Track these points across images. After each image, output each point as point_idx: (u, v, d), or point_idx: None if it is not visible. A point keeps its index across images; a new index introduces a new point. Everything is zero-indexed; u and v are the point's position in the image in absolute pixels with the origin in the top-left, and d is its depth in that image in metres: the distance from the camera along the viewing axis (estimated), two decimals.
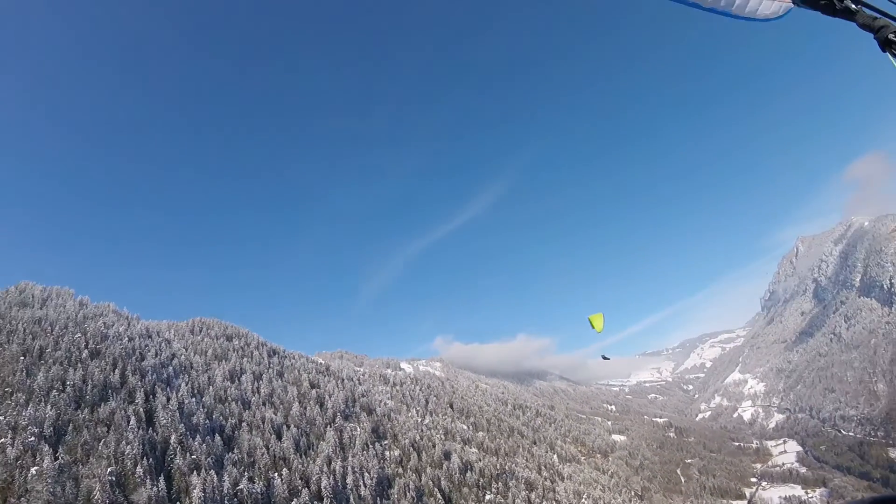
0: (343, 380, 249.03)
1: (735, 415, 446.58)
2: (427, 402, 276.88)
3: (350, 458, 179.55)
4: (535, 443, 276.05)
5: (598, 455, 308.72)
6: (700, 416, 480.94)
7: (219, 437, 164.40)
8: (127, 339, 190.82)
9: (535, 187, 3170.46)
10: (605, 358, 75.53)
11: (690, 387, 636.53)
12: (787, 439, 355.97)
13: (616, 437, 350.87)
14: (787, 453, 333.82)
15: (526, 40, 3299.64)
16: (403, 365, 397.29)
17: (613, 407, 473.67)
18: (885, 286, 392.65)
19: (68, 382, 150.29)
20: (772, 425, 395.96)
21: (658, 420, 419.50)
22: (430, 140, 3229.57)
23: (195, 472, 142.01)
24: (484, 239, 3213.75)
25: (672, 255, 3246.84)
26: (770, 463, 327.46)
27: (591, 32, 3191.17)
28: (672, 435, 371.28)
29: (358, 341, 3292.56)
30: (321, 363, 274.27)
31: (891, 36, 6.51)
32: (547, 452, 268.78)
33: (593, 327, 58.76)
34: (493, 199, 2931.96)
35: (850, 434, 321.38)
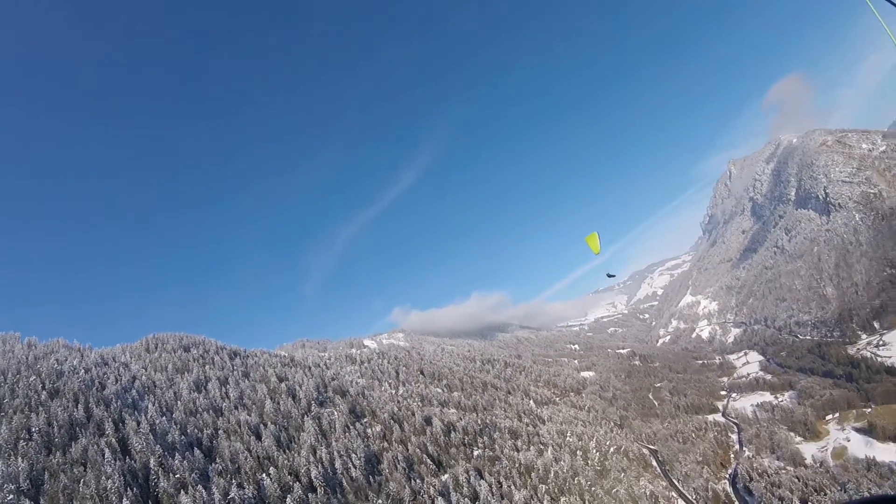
0: (310, 367, 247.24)
1: (694, 335, 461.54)
2: (398, 373, 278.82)
3: (334, 443, 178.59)
4: (509, 392, 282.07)
5: (572, 393, 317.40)
6: (661, 341, 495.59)
7: (198, 450, 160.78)
8: (83, 371, 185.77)
9: (464, 150, 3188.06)
10: (610, 276, 78.45)
11: (647, 315, 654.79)
12: (747, 351, 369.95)
13: (585, 374, 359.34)
14: (749, 364, 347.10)
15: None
16: (367, 342, 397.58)
17: (577, 346, 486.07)
18: (820, 196, 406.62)
19: (33, 429, 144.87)
20: (730, 340, 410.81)
21: (622, 351, 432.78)
22: (354, 115, 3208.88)
23: (182, 491, 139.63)
24: (422, 208, 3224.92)
25: (610, 195, 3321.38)
26: (735, 375, 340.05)
27: None
28: (637, 363, 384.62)
29: (317, 328, 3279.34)
30: (285, 356, 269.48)
31: None
32: (523, 400, 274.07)
33: (591, 249, 62.27)
34: (424, 168, 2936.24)
35: (808, 338, 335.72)
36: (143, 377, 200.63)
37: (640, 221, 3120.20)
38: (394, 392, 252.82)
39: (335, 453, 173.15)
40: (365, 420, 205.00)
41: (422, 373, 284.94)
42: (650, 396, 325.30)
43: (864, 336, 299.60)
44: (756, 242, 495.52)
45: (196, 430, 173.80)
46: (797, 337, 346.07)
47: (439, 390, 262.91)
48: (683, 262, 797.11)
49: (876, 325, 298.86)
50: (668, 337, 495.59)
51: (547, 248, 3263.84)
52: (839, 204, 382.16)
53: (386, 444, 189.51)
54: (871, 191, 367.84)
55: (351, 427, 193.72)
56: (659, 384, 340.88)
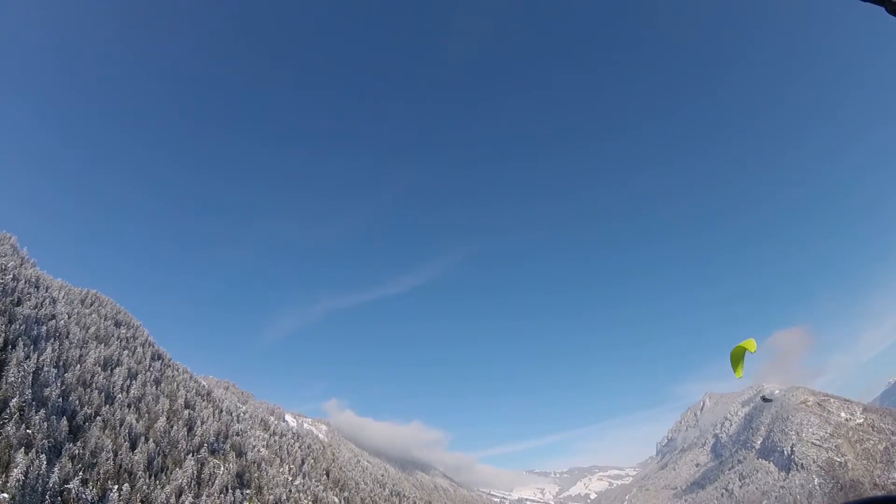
0: (222, 411, 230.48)
1: None
2: (303, 462, 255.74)
3: (204, 498, 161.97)
4: None
5: None
6: None
7: (66, 422, 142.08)
8: (11, 277, 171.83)
9: (459, 283, 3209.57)
10: (766, 400, 60.25)
11: None
12: None
13: None
14: None
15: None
16: (288, 417, 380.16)
17: None
18: (785, 452, 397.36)
19: None
20: None
21: None
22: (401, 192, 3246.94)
23: (23, 450, 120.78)
24: (407, 319, 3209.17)
25: (579, 386, 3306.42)
26: None
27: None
28: None
29: (249, 377, 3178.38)
30: (204, 385, 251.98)
31: None
32: None
33: (735, 362, 48.77)
34: (422, 282, 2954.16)
35: None
36: (62, 322, 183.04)
37: (598, 420, 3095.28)
38: (290, 478, 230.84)
39: None
40: (248, 492, 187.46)
41: (327, 474, 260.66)
42: None
43: None
44: (707, 479, 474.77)
45: (77, 403, 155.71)
46: None
47: (336, 500, 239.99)
48: (627, 474, 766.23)
49: None
50: None
51: (503, 413, 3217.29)
52: (802, 464, 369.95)
53: None
54: (838, 459, 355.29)
55: (231, 491, 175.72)
56: None
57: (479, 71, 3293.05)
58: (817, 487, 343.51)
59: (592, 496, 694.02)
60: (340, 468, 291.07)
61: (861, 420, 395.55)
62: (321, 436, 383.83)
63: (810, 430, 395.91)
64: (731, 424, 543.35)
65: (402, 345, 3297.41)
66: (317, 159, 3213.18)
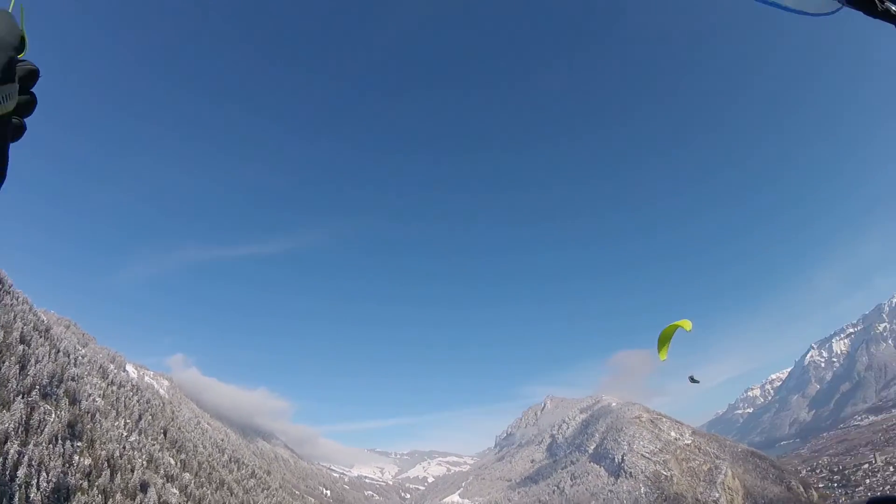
0: (59, 352, 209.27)
1: None
2: (140, 417, 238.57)
3: (31, 447, 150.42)
4: None
5: None
6: None
7: None
8: None
9: (328, 257, 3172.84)
10: (693, 381, 69.75)
11: (408, 496, 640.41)
12: None
13: None
14: None
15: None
16: (129, 367, 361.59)
17: (329, 492, 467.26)
18: (616, 459, 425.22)
19: None
20: None
21: None
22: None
23: None
24: (268, 285, 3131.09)
25: (428, 374, 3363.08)
26: None
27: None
28: None
29: (93, 319, 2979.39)
30: (43, 320, 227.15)
31: None
32: None
33: (662, 337, 59.56)
34: (290, 248, 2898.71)
35: None
36: None
37: (443, 409, 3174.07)
38: (125, 434, 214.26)
39: (27, 458, 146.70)
40: (79, 444, 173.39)
41: (164, 433, 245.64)
42: None
43: None
44: (540, 476, 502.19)
45: None
46: None
47: (173, 461, 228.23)
48: (465, 462, 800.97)
49: None
50: None
51: (356, 388, 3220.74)
52: (631, 473, 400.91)
53: (86, 485, 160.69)
54: (665, 473, 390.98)
55: (60, 442, 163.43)
56: None
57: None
58: (643, 495, 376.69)
59: (430, 480, 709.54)
60: (179, 428, 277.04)
61: (689, 441, 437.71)
62: (162, 391, 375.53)
63: (642, 443, 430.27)
64: (569, 428, 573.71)
65: (259, 310, 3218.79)
66: (213, 105, 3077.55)
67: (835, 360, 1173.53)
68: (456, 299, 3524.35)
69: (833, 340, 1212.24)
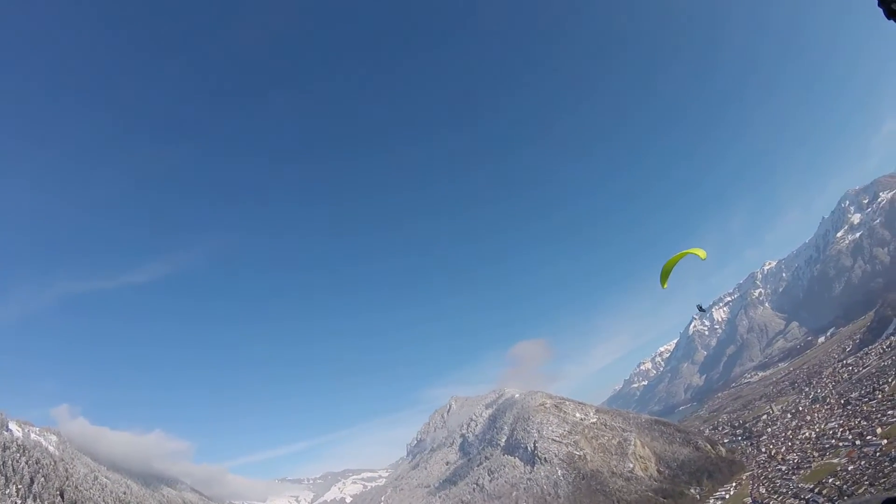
0: None
1: None
2: (32, 481, 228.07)
3: None
4: None
5: None
6: None
7: None
8: None
9: (207, 280, 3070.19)
10: (701, 309, 67.76)
11: None
12: None
13: None
14: None
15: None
16: (12, 425, 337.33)
17: None
18: (529, 448, 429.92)
19: None
20: None
21: None
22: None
23: None
24: (147, 314, 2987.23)
25: (326, 391, 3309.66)
26: None
27: None
28: None
29: None
30: None
31: None
32: None
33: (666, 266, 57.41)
34: (168, 273, 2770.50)
35: None
36: None
37: (348, 425, 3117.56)
38: (18, 503, 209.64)
39: None
40: None
41: (62, 495, 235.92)
42: None
43: None
44: (458, 476, 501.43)
45: None
46: None
47: None
48: (380, 476, 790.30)
49: None
50: None
51: (256, 416, 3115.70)
52: (545, 458, 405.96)
53: None
54: (577, 453, 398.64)
55: None
56: None
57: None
58: (561, 478, 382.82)
59: (348, 500, 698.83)
60: (76, 487, 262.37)
61: (595, 419, 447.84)
62: (51, 448, 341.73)
63: (550, 428, 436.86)
64: (477, 425, 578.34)
65: (143, 344, 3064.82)
66: (77, 115, 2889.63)
67: (717, 327, 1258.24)
68: (344, 310, 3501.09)
69: (713, 309, 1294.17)
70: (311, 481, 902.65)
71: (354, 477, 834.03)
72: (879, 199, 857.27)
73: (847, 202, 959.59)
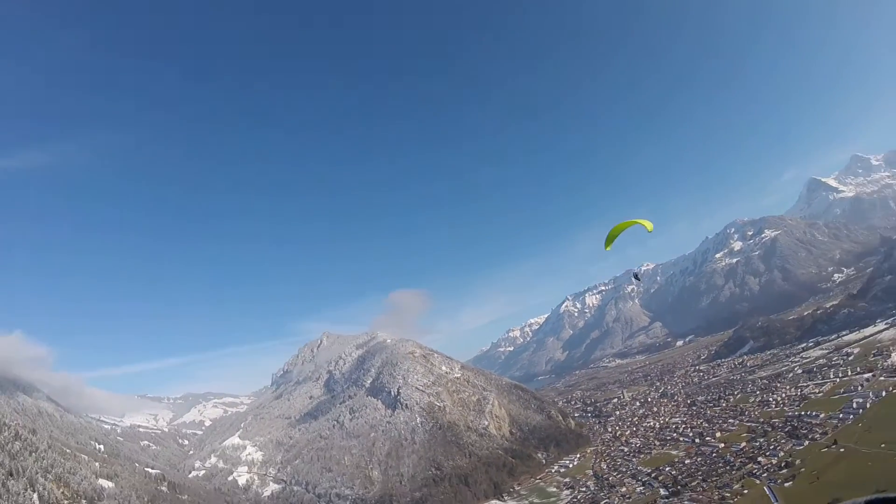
0: None
1: (230, 478, 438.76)
2: None
3: None
4: (11, 474, 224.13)
5: (85, 501, 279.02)
6: (194, 473, 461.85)
7: None
8: None
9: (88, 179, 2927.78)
10: (636, 278, 68.89)
11: (187, 441, 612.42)
12: None
13: (104, 483, 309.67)
14: None
15: None
16: None
17: (102, 447, 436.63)
18: (392, 392, 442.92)
19: None
20: (266, 494, 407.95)
21: (150, 471, 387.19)
22: None
23: None
24: (16, 206, 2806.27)
25: (197, 310, 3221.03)
26: None
27: None
28: (165, 489, 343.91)
29: None
30: None
31: None
32: (26, 490, 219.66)
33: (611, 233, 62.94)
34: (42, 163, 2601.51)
35: None
36: None
37: (215, 347, 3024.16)
38: None
39: None
40: None
41: None
42: None
43: None
44: (320, 411, 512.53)
45: None
46: None
47: None
48: (242, 402, 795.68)
49: None
50: (204, 472, 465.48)
51: (120, 328, 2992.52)
52: (407, 405, 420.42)
53: None
54: (438, 404, 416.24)
55: None
56: None
57: None
58: (419, 425, 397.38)
59: (207, 423, 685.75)
60: None
61: (459, 375, 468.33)
62: None
63: (416, 377, 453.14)
64: (345, 363, 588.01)
65: (5, 238, 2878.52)
66: None
67: (587, 311, 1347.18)
68: (223, 235, 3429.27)
69: (586, 295, 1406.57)
70: (172, 401, 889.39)
71: (216, 401, 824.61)
72: (763, 235, 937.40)
73: (732, 229, 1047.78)
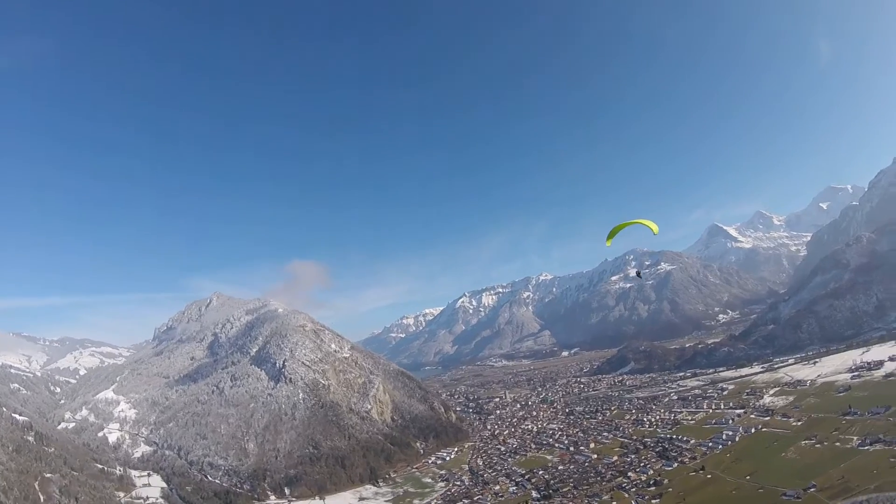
0: None
1: (101, 434, 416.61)
2: None
3: None
4: None
5: None
6: (63, 425, 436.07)
7: None
8: None
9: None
10: (638, 275, 70.16)
11: (59, 389, 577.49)
12: (151, 473, 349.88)
13: None
14: (151, 487, 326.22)
15: None
16: None
17: None
18: (277, 364, 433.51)
19: None
20: (137, 455, 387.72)
21: (18, 417, 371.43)
22: None
23: None
24: None
25: (81, 248, 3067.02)
26: (134, 494, 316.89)
27: None
28: (31, 440, 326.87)
29: None
30: None
31: None
32: None
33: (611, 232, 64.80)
34: None
35: (217, 481, 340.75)
36: None
37: (98, 292, 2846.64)
38: None
39: None
40: None
41: None
42: (36, 486, 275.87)
43: (273, 497, 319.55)
44: (200, 374, 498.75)
45: None
46: (206, 477, 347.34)
47: None
48: (121, 354, 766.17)
49: (286, 490, 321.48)
50: (74, 424, 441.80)
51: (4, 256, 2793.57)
52: (291, 379, 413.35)
53: None
54: (323, 382, 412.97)
55: None
56: (49, 475, 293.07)
57: None
58: (301, 401, 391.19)
59: (82, 371, 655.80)
60: None
61: (348, 355, 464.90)
62: None
63: (303, 351, 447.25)
64: (233, 328, 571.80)
65: None
66: None
67: (482, 309, 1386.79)
68: (116, 170, 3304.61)
69: (484, 294, 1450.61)
70: (48, 343, 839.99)
71: (94, 349, 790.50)
72: (659, 267, 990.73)
73: (631, 256, 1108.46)
